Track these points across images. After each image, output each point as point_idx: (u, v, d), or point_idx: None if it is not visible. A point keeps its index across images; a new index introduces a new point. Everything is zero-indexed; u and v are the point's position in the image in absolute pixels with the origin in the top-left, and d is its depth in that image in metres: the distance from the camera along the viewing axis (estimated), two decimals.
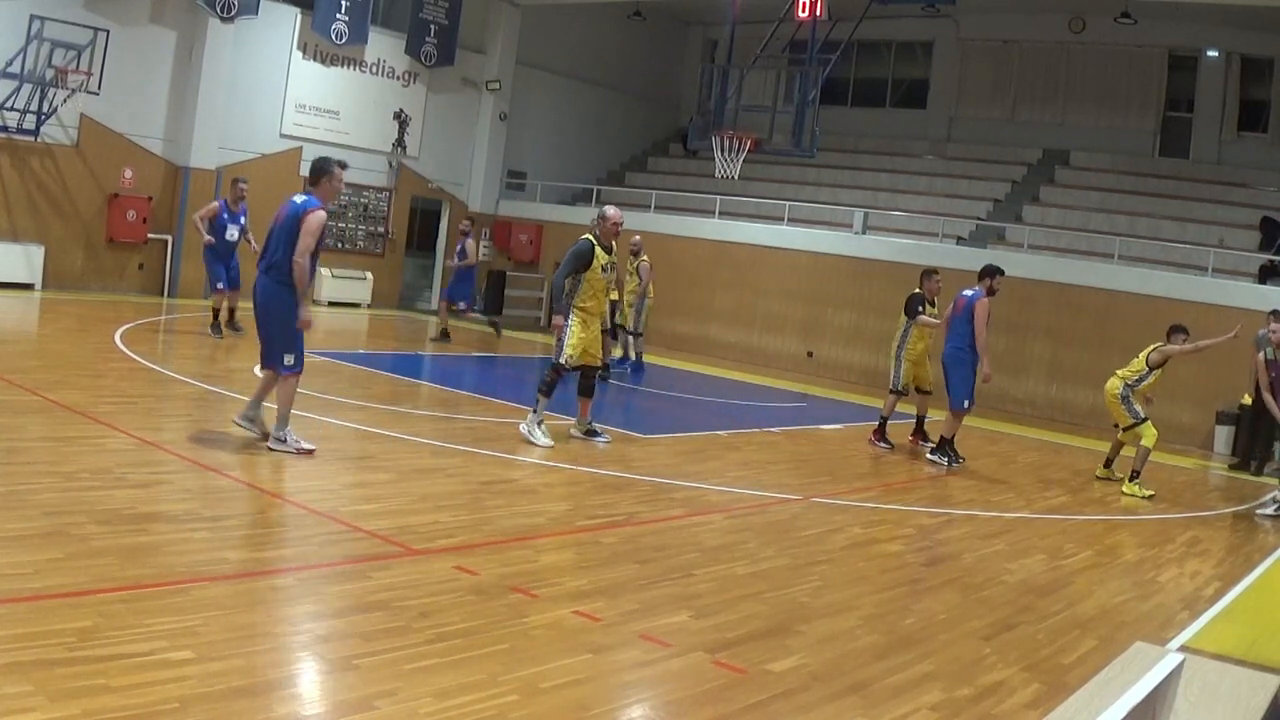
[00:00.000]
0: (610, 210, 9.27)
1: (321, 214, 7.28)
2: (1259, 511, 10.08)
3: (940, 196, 19.55)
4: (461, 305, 15.91)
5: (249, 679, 3.75)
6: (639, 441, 9.87)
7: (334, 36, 18.23)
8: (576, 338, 9.04)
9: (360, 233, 19.75)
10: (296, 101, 18.25)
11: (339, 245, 19.20)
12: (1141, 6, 18.04)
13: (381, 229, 20.01)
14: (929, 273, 11.49)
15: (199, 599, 4.46)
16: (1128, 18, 18.05)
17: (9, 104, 14.61)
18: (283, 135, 18.08)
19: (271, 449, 7.29)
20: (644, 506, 7.29)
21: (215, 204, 13.04)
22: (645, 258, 14.96)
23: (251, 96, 17.54)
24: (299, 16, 17.96)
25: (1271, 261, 15.52)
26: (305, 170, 10.94)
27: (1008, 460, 11.66)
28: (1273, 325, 10.37)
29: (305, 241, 7.18)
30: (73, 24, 14.91)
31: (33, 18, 14.58)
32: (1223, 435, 14.22)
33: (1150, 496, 10.02)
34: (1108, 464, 10.86)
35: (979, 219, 18.55)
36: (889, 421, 11.26)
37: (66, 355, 10.80)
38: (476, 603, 4.88)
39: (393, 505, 6.45)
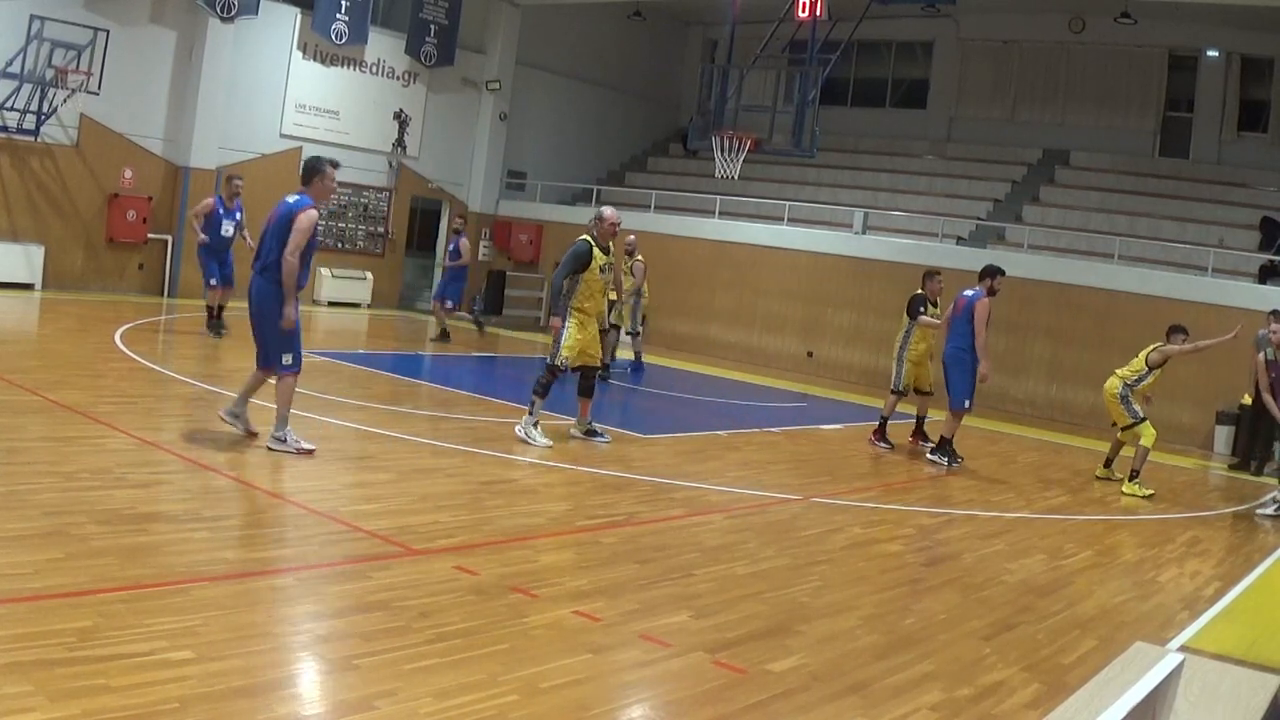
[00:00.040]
0: (607, 211, 9.27)
1: (313, 213, 7.29)
2: (1259, 511, 10.09)
3: (940, 196, 19.55)
4: (450, 304, 15.90)
5: (249, 679, 3.75)
6: (639, 441, 9.88)
7: (334, 36, 18.23)
8: (573, 339, 9.04)
9: (360, 233, 19.74)
10: (296, 101, 18.25)
11: (339, 245, 19.22)
12: (1141, 6, 18.03)
13: (381, 229, 20.00)
14: (931, 274, 11.48)
15: (199, 599, 4.46)
16: (1128, 18, 18.05)
17: (9, 104, 14.62)
18: (283, 135, 18.08)
19: (271, 449, 7.29)
20: (644, 506, 7.29)
21: (210, 200, 13.03)
22: (640, 257, 14.96)
23: (251, 96, 17.54)
24: (299, 16, 17.95)
25: (1271, 261, 15.52)
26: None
27: (1008, 460, 11.66)
28: (1273, 325, 10.36)
29: (296, 239, 7.18)
30: (73, 24, 14.91)
31: (33, 18, 14.59)
32: (1223, 435, 14.22)
33: (1150, 496, 10.03)
34: (1107, 464, 10.87)
35: (979, 219, 18.55)
36: (889, 422, 11.27)
37: (66, 355, 10.81)
38: (476, 603, 4.88)
39: (393, 505, 6.45)
